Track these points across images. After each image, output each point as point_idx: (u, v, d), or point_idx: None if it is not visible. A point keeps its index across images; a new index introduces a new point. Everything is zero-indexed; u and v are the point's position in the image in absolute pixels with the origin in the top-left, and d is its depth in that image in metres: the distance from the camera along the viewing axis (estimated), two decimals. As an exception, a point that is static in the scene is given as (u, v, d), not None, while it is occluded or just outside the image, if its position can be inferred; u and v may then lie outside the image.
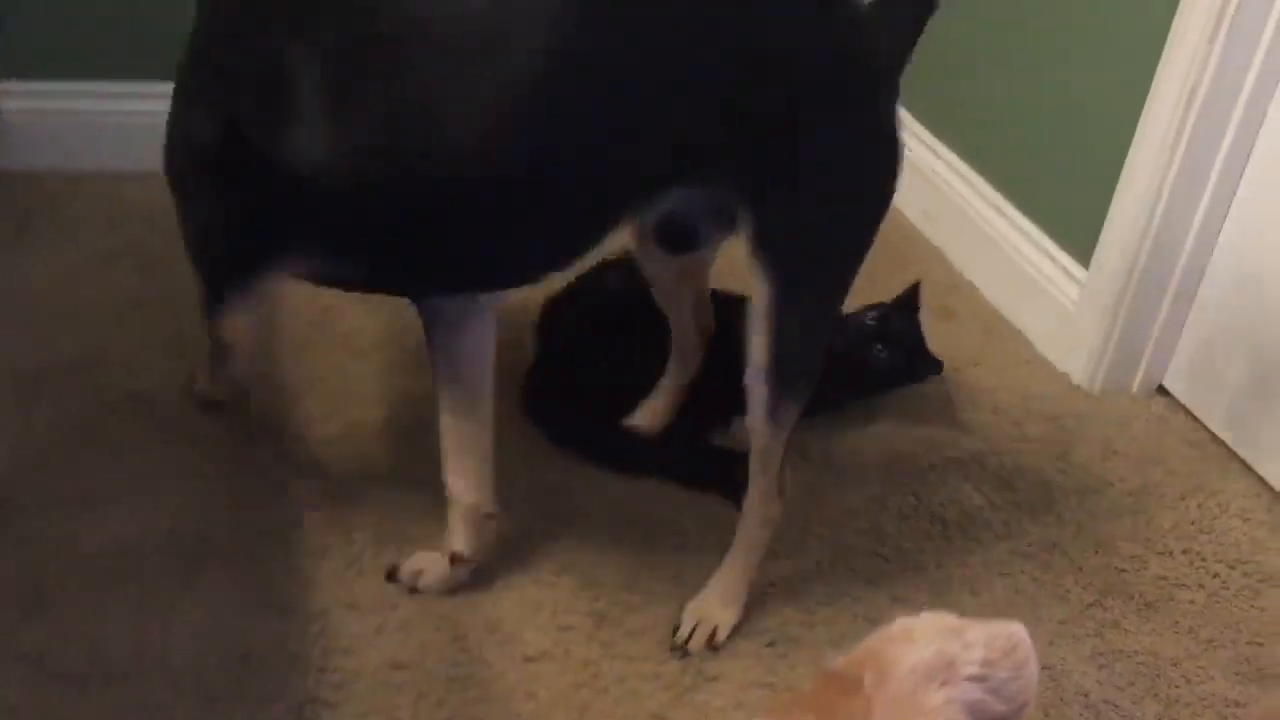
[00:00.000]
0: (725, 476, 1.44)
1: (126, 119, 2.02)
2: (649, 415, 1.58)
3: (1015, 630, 0.70)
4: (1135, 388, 1.80)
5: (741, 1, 1.13)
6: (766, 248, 1.18)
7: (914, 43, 1.24)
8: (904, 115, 2.17)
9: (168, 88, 2.01)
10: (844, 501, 1.55)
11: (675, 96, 1.10)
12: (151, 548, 1.35)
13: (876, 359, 1.64)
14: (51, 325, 1.68)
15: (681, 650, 1.30)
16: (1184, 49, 1.58)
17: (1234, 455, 1.68)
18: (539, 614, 1.34)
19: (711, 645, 1.31)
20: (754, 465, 1.29)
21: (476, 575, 1.36)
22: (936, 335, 1.89)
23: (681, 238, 1.37)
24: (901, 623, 0.71)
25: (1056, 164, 1.86)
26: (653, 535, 1.46)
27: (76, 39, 1.96)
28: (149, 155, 1.99)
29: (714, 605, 1.33)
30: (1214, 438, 1.71)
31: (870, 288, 2.00)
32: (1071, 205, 1.83)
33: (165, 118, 1.35)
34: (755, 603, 1.36)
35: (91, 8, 1.94)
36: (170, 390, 1.58)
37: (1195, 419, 1.75)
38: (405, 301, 1.31)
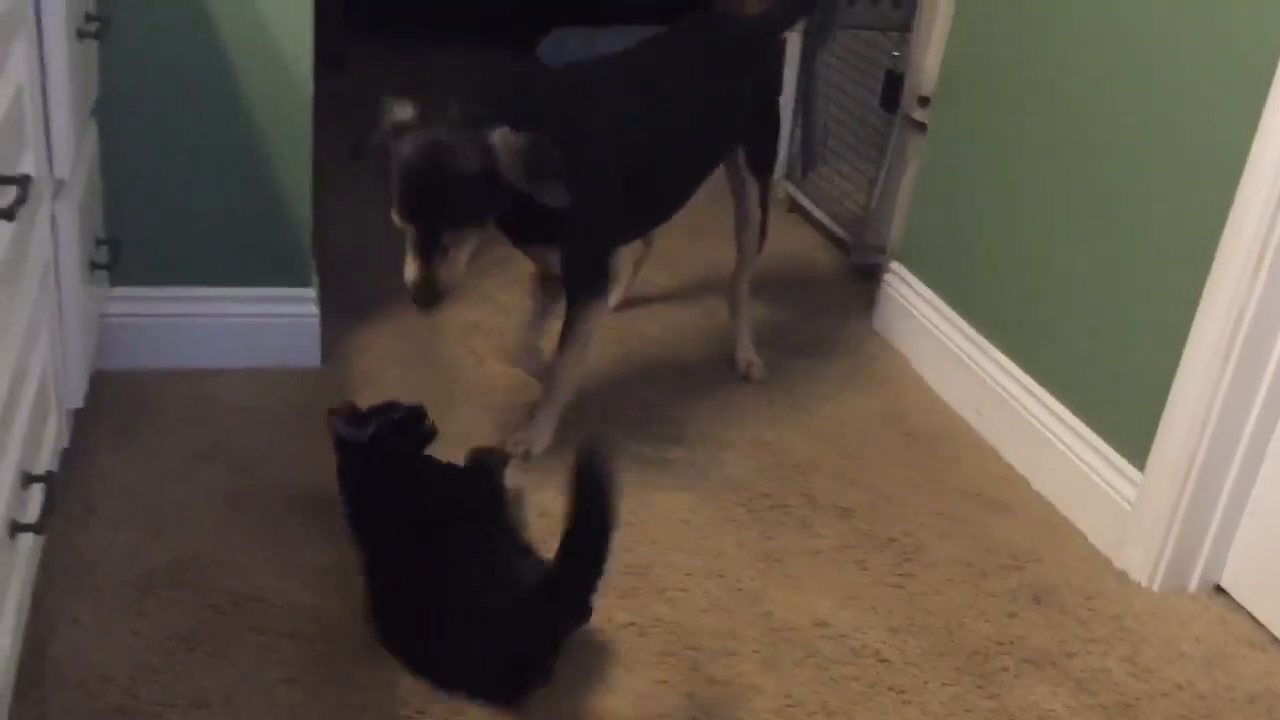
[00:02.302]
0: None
1: (216, 321, 2.15)
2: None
3: None
4: (1193, 586, 1.86)
5: (736, 58, 2.23)
6: (754, 163, 2.27)
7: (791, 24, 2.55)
8: (956, 315, 2.31)
9: (253, 291, 2.17)
10: (924, 703, 1.59)
11: (731, 111, 2.19)
12: (268, 753, 1.40)
13: None
14: (154, 526, 1.76)
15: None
16: (1234, 260, 1.70)
17: (1296, 656, 1.74)
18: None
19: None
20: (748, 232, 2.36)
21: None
22: (996, 532, 1.97)
23: None
24: None
25: (1109, 369, 1.96)
26: None
27: (172, 250, 2.09)
28: (236, 354, 2.14)
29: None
30: (1274, 639, 1.77)
31: (925, 479, 2.09)
32: (1125, 409, 1.92)
33: (252, 320, 1.93)
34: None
35: (186, 224, 2.08)
36: (268, 589, 1.64)
37: (1254, 619, 1.80)
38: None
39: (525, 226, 1.90)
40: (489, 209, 1.78)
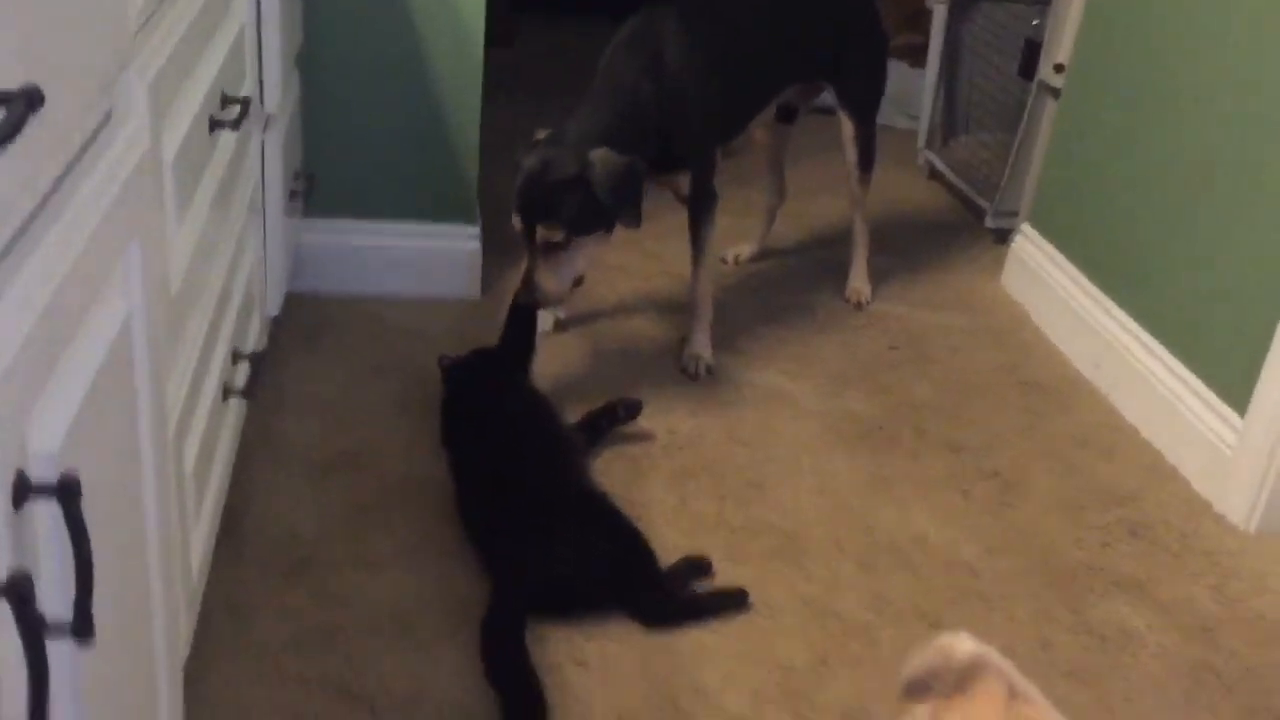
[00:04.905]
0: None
1: (391, 252, 2.41)
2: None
3: None
4: (1290, 531, 1.94)
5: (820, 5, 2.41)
6: (846, 98, 2.49)
7: None
8: (1079, 274, 2.41)
9: (425, 227, 2.44)
10: (1009, 611, 1.73)
11: (803, 40, 2.37)
12: (422, 604, 1.64)
13: None
14: (336, 422, 2.03)
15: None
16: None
17: (1387, 599, 1.80)
18: (738, 684, 1.56)
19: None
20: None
21: (679, 652, 1.60)
22: (1100, 473, 2.07)
23: (789, 111, 2.58)
24: None
25: (1218, 323, 2.05)
26: (828, 624, 1.68)
27: (359, 187, 2.36)
28: (407, 283, 2.40)
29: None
30: (1366, 581, 1.84)
31: (1036, 424, 2.21)
32: (1230, 358, 2.01)
33: (423, 252, 2.25)
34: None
35: (371, 164, 2.35)
36: (431, 477, 1.89)
37: (1349, 563, 1.87)
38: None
39: (662, 159, 2.12)
40: (583, 219, 1.99)
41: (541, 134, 2.05)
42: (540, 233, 1.98)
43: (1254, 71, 1.97)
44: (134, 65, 1.03)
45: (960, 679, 0.93)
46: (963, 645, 0.94)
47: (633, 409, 2.04)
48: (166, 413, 1.11)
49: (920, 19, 3.35)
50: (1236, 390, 1.98)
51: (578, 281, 2.06)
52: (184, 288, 1.24)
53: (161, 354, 1.07)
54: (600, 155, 1.97)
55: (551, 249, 1.99)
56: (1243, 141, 2.00)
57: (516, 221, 2.01)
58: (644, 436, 2.07)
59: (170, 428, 1.15)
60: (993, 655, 0.94)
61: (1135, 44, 2.29)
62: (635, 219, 2.00)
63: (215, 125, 1.36)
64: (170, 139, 1.18)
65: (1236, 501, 1.96)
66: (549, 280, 2.01)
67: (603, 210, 1.99)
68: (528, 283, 2.01)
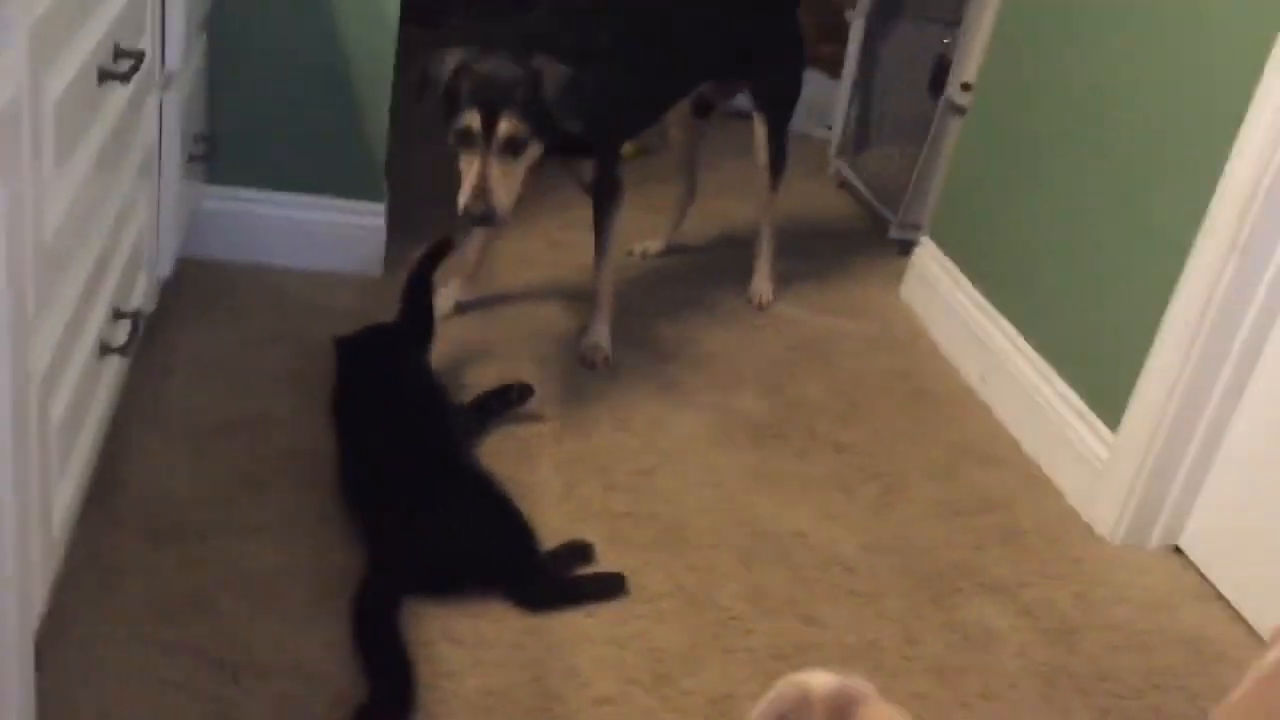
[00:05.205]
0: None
1: (294, 224, 2.39)
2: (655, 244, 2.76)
3: None
4: (1153, 543, 2.01)
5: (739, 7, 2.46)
6: (760, 100, 2.54)
7: None
8: (971, 288, 2.47)
9: (329, 201, 2.42)
10: (880, 608, 1.77)
11: (720, 38, 2.41)
12: (296, 573, 1.63)
13: None
14: (224, 389, 2.00)
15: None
16: (1208, 251, 1.85)
17: (1238, 615, 1.87)
18: (609, 668, 1.58)
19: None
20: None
21: (553, 636, 1.61)
22: (978, 481, 2.13)
23: (704, 107, 2.60)
24: None
25: (1096, 340, 2.12)
26: (704, 613, 1.70)
27: (263, 156, 2.34)
28: (310, 256, 2.37)
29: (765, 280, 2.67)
30: (1218, 594, 1.91)
31: (921, 430, 2.26)
32: (1106, 376, 2.08)
33: (326, 226, 2.12)
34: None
35: (276, 133, 2.33)
36: (316, 449, 1.87)
37: (1204, 578, 1.95)
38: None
39: (566, 141, 2.08)
40: (537, 123, 1.96)
41: (455, 52, 1.98)
42: (502, 127, 1.93)
43: (1147, 103, 2.04)
44: (15, 2, 1.01)
45: (835, 713, 0.84)
46: (821, 680, 0.85)
47: (525, 393, 2.05)
48: (29, 360, 1.09)
49: (842, 30, 3.40)
50: (1110, 407, 2.05)
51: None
52: (60, 237, 1.22)
53: (25, 300, 1.05)
54: (545, 62, 1.96)
55: (502, 155, 1.95)
56: (1130, 169, 2.07)
57: (472, 118, 1.93)
58: (536, 421, 2.07)
59: (35, 377, 1.13)
60: (859, 682, 0.86)
61: (1038, 68, 2.36)
62: (577, 126, 1.98)
63: (105, 76, 1.34)
64: (53, 84, 1.16)
65: (1105, 513, 2.02)
66: (501, 187, 1.95)
67: (550, 117, 1.96)
68: (479, 190, 1.93)
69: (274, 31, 2.25)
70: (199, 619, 1.54)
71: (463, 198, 1.96)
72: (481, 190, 1.94)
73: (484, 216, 1.97)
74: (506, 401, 2.04)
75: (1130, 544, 2.01)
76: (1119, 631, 1.81)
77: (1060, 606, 1.84)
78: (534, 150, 1.99)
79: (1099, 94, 2.16)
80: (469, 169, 1.97)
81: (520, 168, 1.99)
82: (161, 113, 1.81)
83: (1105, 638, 1.79)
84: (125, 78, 1.35)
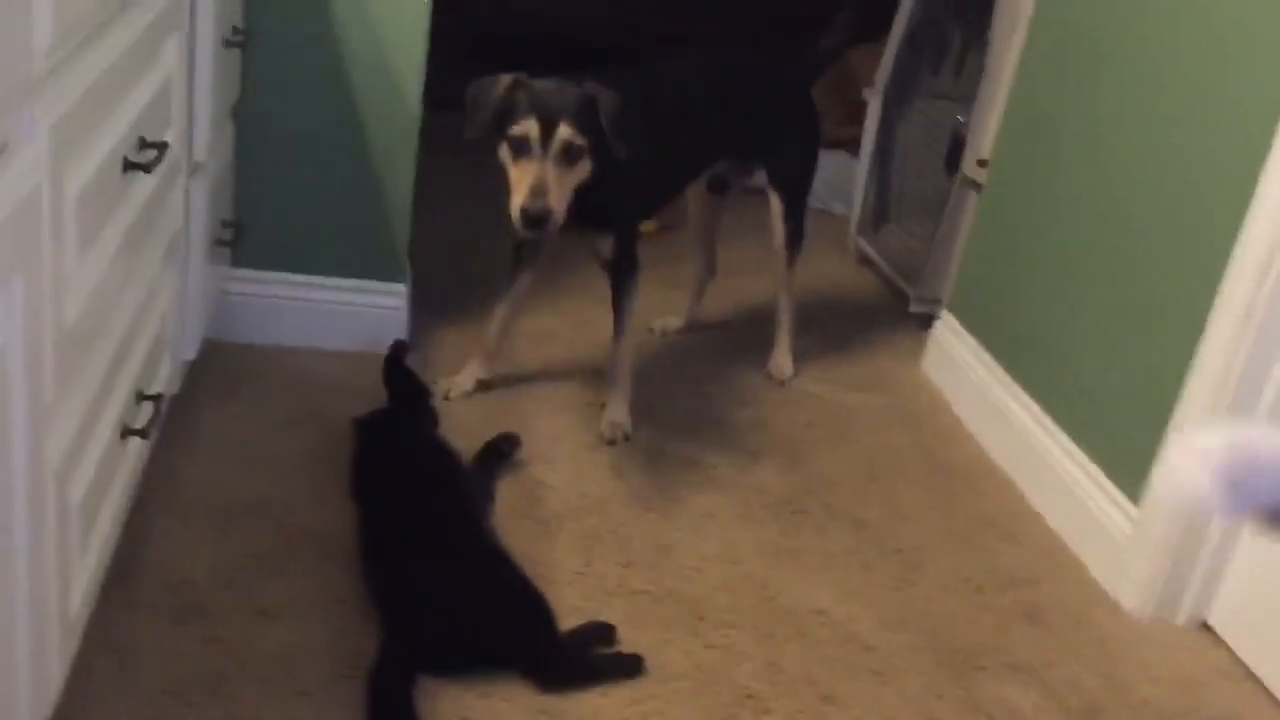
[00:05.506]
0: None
1: (318, 306, 2.43)
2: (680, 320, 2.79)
3: None
4: (1181, 620, 1.97)
5: (752, 77, 2.53)
6: (776, 178, 2.57)
7: (821, 72, 2.74)
8: (994, 363, 2.47)
9: (353, 283, 2.46)
10: (900, 687, 1.75)
11: (735, 118, 2.46)
12: (312, 654, 1.63)
13: None
14: (245, 470, 2.02)
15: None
16: (1224, 325, 1.84)
17: (1270, 695, 1.84)
18: (625, 749, 1.56)
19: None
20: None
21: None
22: (1001, 556, 2.11)
23: (720, 184, 2.65)
24: None
25: (1119, 416, 2.11)
26: (720, 692, 1.68)
27: (288, 240, 2.39)
28: (333, 337, 2.41)
29: None
30: (1250, 673, 1.87)
31: (943, 505, 2.25)
32: (1128, 450, 2.06)
33: (350, 308, 2.19)
34: (813, 763, 1.56)
35: (301, 217, 2.38)
36: (335, 530, 1.88)
37: (1234, 655, 1.91)
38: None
39: (585, 215, 2.11)
40: (593, 139, 2.00)
41: (505, 77, 2.03)
42: (561, 131, 1.96)
43: (1160, 177, 2.05)
44: (39, 104, 1.05)
45: None
46: None
47: (513, 441, 2.13)
48: (46, 447, 1.11)
49: (865, 112, 3.45)
50: (1133, 481, 2.03)
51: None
52: (83, 321, 1.25)
53: (42, 388, 1.08)
54: (597, 86, 2.01)
55: (559, 161, 1.97)
56: (1145, 241, 2.07)
57: (530, 126, 1.96)
58: (555, 498, 2.08)
59: (53, 460, 1.16)
60: None
61: (1052, 144, 2.38)
62: (626, 152, 2.01)
63: (130, 166, 1.38)
64: (76, 175, 1.20)
65: (1130, 589, 2.00)
66: (556, 192, 1.96)
67: (602, 136, 2.00)
68: (538, 190, 1.95)
69: (300, 118, 2.30)
70: (214, 701, 1.54)
71: (518, 198, 1.97)
72: (540, 191, 1.95)
73: (540, 216, 1.96)
74: (500, 454, 2.11)
75: (1158, 620, 1.98)
76: (1147, 711, 1.78)
77: (1086, 685, 1.81)
78: (585, 167, 2.02)
79: (1112, 168, 2.18)
80: (523, 176, 1.98)
81: (573, 179, 2.02)
82: (188, 199, 1.86)
83: (1132, 717, 1.76)
84: (149, 168, 1.40)
